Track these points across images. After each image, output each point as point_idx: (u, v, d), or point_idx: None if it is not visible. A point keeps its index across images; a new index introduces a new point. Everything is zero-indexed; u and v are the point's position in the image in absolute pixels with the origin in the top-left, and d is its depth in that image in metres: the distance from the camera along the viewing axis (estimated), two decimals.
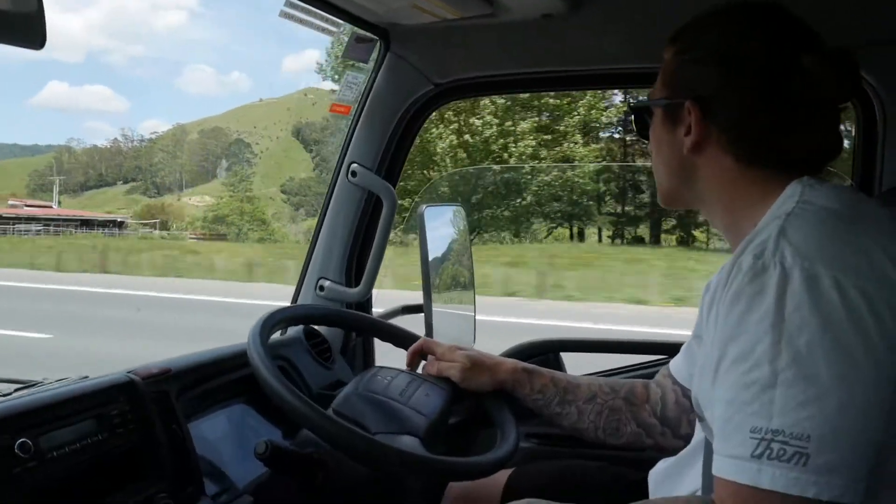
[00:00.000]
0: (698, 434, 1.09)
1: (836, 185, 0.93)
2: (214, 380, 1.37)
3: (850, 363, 0.75)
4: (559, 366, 1.87)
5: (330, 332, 1.72)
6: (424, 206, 1.76)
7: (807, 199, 0.88)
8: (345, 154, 1.74)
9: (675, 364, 1.29)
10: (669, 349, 1.75)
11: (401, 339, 1.50)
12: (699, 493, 1.04)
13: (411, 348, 1.42)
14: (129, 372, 1.22)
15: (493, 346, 1.59)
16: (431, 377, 1.35)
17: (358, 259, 1.78)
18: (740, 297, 0.81)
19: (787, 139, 0.95)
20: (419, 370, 1.41)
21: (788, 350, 0.76)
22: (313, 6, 1.46)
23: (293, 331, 1.62)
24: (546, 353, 1.88)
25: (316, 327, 1.69)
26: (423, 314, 1.76)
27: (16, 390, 1.18)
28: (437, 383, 1.34)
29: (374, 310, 1.87)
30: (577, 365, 1.86)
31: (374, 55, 1.69)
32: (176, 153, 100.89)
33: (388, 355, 1.67)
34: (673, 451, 1.19)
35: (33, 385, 1.20)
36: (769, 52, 0.95)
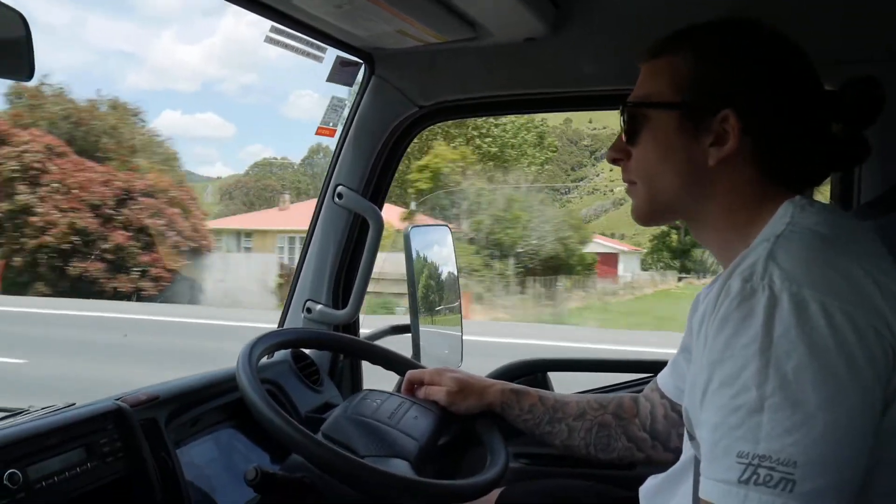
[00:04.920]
0: (687, 451, 1.10)
1: (826, 207, 0.94)
2: (203, 405, 1.37)
3: (837, 388, 0.76)
4: (546, 385, 1.88)
5: (318, 354, 1.72)
6: (410, 227, 1.77)
7: (797, 221, 0.89)
8: (331, 176, 1.74)
9: (663, 378, 1.30)
10: (655, 367, 1.76)
11: (392, 363, 1.50)
12: None
13: (403, 385, 1.42)
14: (117, 399, 1.21)
15: None
16: (421, 400, 1.36)
17: (345, 281, 1.78)
18: (728, 320, 0.81)
19: (808, 156, 0.97)
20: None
21: (776, 375, 0.76)
22: (298, 31, 1.47)
23: (280, 354, 1.61)
24: (533, 372, 1.89)
25: (303, 349, 1.69)
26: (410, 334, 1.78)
27: (1, 419, 1.16)
28: (426, 406, 1.34)
29: (362, 331, 1.87)
30: (563, 384, 1.87)
31: (359, 78, 1.71)
32: None
33: (375, 374, 1.68)
34: (664, 464, 1.18)
35: (19, 413, 1.19)
36: (800, 65, 0.97)
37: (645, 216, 1.06)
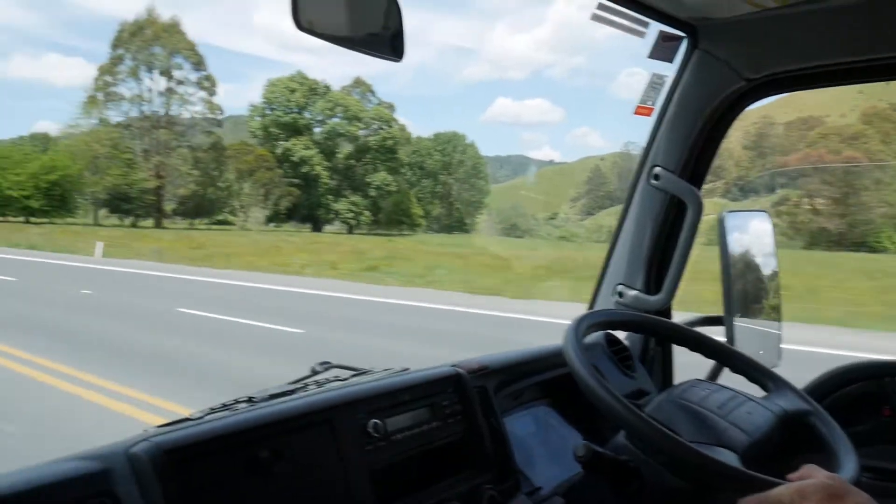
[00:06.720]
0: None
1: None
2: (524, 379, 1.40)
3: None
4: (884, 393, 1.64)
5: (630, 339, 1.68)
6: (726, 212, 1.65)
7: None
8: (647, 157, 1.69)
9: None
10: None
11: (751, 369, 1.35)
12: None
13: None
14: (453, 365, 1.28)
15: None
16: (757, 397, 1.24)
17: (658, 266, 1.71)
18: None
19: None
20: None
21: None
22: (623, 6, 1.44)
23: (594, 336, 1.59)
24: (867, 379, 1.66)
25: (616, 334, 1.65)
26: (723, 327, 1.66)
27: (351, 376, 1.29)
28: (763, 404, 1.23)
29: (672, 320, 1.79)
30: None
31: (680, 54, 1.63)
32: (762, 149, 72.07)
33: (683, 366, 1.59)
34: None
35: (364, 373, 1.31)
36: None
37: None
